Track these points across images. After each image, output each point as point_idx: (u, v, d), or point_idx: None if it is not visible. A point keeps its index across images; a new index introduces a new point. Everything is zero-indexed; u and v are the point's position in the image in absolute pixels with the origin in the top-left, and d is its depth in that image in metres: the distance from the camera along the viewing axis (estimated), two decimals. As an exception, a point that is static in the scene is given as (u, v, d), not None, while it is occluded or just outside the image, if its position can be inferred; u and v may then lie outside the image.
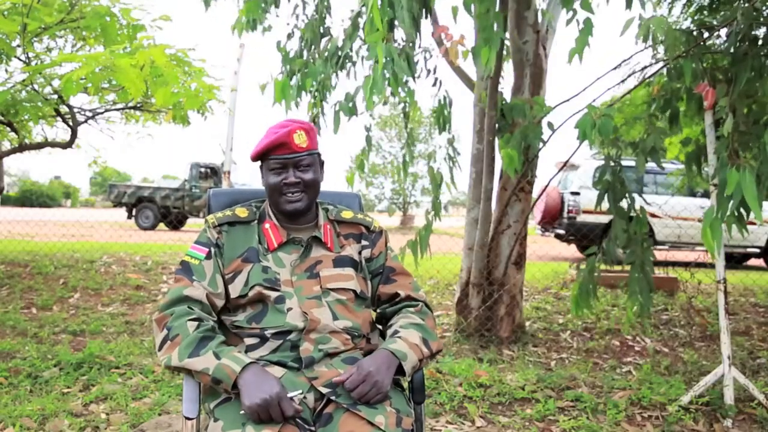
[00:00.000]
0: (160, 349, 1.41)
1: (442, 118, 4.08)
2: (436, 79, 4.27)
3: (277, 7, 4.14)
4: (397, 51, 2.87)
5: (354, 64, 4.03)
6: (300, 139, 1.52)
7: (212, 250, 1.53)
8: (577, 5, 2.83)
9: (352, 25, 3.73)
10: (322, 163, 1.62)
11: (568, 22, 2.87)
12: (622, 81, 3.54)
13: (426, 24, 3.69)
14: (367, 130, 4.40)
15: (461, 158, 4.08)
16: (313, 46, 4.23)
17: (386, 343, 1.47)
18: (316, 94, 3.85)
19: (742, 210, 2.60)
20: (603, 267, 3.50)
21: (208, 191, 1.80)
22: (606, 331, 4.38)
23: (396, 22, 2.86)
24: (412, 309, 1.59)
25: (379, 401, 1.37)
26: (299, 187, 1.53)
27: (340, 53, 3.76)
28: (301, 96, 3.71)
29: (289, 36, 4.36)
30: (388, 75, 2.76)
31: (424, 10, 3.24)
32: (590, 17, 2.83)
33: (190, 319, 1.42)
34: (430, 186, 4.08)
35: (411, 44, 3.24)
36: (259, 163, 1.61)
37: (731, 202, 2.48)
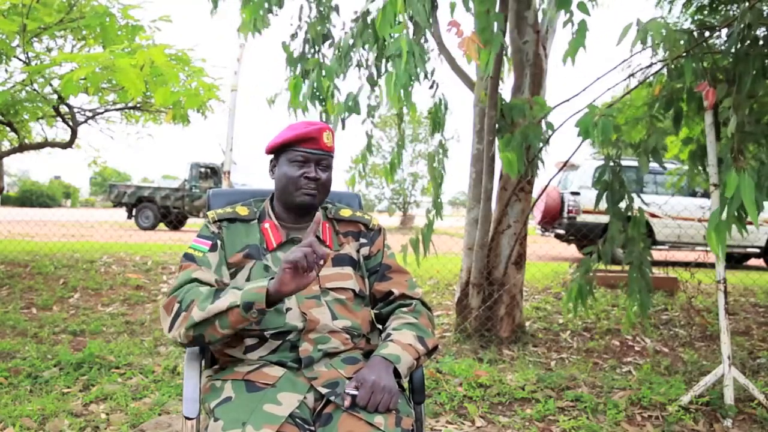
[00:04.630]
0: (171, 327, 1.39)
1: (436, 120, 4.08)
2: (433, 82, 4.27)
3: (280, 7, 4.14)
4: (416, 46, 2.85)
5: (360, 67, 4.03)
6: (328, 139, 1.56)
7: (216, 242, 1.53)
8: (573, 7, 2.83)
9: (363, 22, 3.72)
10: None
11: (565, 23, 2.87)
12: (624, 80, 3.54)
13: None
14: (369, 136, 4.40)
15: (462, 159, 4.10)
16: (315, 46, 4.23)
17: (378, 349, 1.46)
18: (325, 97, 3.85)
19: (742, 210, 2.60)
20: (603, 267, 3.49)
21: (208, 191, 1.80)
22: (606, 331, 4.38)
23: (403, 17, 2.83)
24: (405, 309, 1.58)
25: (395, 403, 1.36)
26: (317, 183, 1.54)
27: (352, 52, 3.75)
28: (317, 101, 3.71)
29: (293, 36, 4.36)
30: (412, 71, 2.73)
31: (432, 5, 3.23)
32: (585, 19, 2.83)
33: (201, 287, 1.42)
34: (430, 185, 4.08)
35: (423, 37, 3.23)
36: (270, 157, 1.62)
37: (732, 204, 2.48)
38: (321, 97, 3.77)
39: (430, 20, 3.04)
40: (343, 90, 3.76)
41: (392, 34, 2.72)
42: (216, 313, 1.33)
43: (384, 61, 3.93)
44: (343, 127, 3.62)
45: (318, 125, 1.55)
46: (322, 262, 1.32)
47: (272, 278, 1.33)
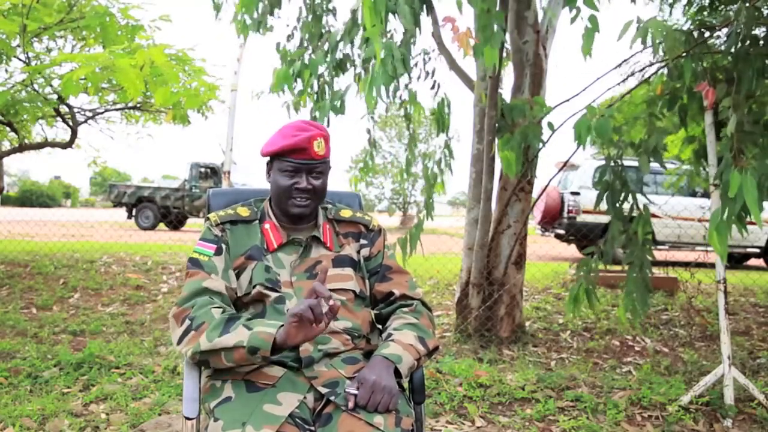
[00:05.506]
0: (180, 342, 1.39)
1: (441, 120, 4.08)
2: (434, 81, 4.27)
3: (279, 8, 4.14)
4: (397, 46, 2.84)
5: (355, 66, 4.03)
6: (319, 147, 1.51)
7: (221, 246, 1.53)
8: (580, 2, 2.82)
9: (351, 20, 3.72)
10: (329, 168, 1.61)
11: (572, 20, 2.86)
12: (623, 81, 3.54)
13: (425, 24, 3.68)
14: (369, 133, 4.40)
15: (461, 159, 4.09)
16: (310, 47, 4.23)
17: (380, 349, 1.46)
18: (317, 94, 3.85)
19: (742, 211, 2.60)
20: (603, 267, 3.49)
21: (208, 191, 1.80)
22: (606, 331, 4.38)
23: (393, 16, 2.82)
24: (406, 309, 1.58)
25: (395, 404, 1.36)
26: (309, 193, 1.53)
27: (340, 48, 3.74)
28: (296, 81, 3.67)
29: (289, 38, 4.37)
30: (390, 73, 2.73)
31: (424, 6, 3.22)
32: (595, 14, 2.82)
33: (214, 307, 1.41)
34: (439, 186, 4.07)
35: (410, 39, 3.21)
36: (266, 159, 1.60)
37: (734, 203, 2.47)
38: (313, 92, 3.76)
39: (418, 22, 3.02)
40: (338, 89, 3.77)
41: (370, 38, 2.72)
42: (222, 348, 1.34)
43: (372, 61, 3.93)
44: (328, 125, 3.62)
45: (308, 133, 1.50)
46: (328, 307, 1.29)
47: (282, 325, 1.32)
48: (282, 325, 1.32)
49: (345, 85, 3.83)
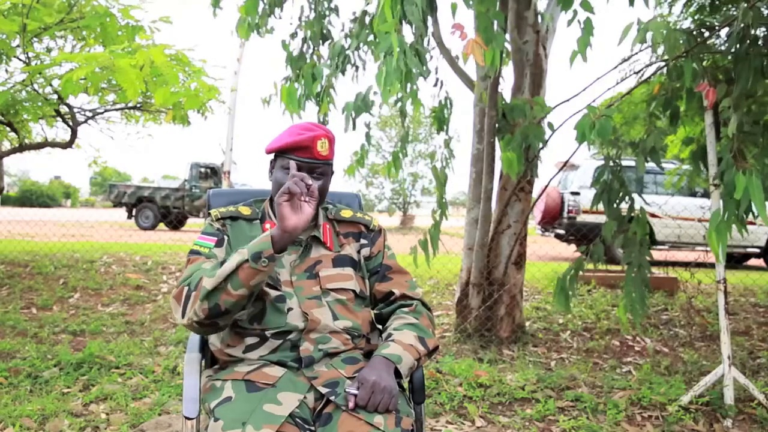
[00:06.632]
0: (184, 311, 1.37)
1: (441, 118, 4.08)
2: (437, 79, 4.27)
3: (280, 8, 4.14)
4: (407, 45, 2.84)
5: (356, 68, 4.03)
6: (323, 148, 1.52)
7: (223, 237, 1.53)
8: (577, 5, 2.83)
9: (360, 24, 3.71)
10: (332, 173, 1.61)
11: (569, 22, 2.87)
12: (622, 80, 3.55)
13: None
14: (368, 127, 4.40)
15: (461, 159, 4.08)
16: (314, 47, 4.23)
17: (380, 349, 1.46)
18: (321, 97, 3.85)
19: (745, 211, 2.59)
20: (603, 267, 3.49)
21: (208, 191, 1.80)
22: (606, 331, 4.38)
23: (405, 17, 2.83)
24: (406, 309, 1.58)
25: (395, 404, 1.36)
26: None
27: (348, 52, 3.75)
28: (304, 103, 3.72)
29: (293, 36, 4.37)
30: (402, 68, 2.72)
31: (431, 6, 3.22)
32: (590, 17, 2.83)
33: (206, 265, 1.41)
34: (430, 186, 4.07)
35: (420, 39, 3.22)
36: (271, 156, 1.60)
37: (738, 205, 2.47)
38: (317, 99, 3.77)
39: (427, 21, 3.03)
40: (340, 89, 3.78)
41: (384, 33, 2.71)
42: (226, 276, 1.33)
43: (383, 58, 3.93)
44: (354, 128, 3.62)
45: (312, 133, 1.51)
46: (309, 184, 1.37)
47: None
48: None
49: (347, 86, 3.85)
